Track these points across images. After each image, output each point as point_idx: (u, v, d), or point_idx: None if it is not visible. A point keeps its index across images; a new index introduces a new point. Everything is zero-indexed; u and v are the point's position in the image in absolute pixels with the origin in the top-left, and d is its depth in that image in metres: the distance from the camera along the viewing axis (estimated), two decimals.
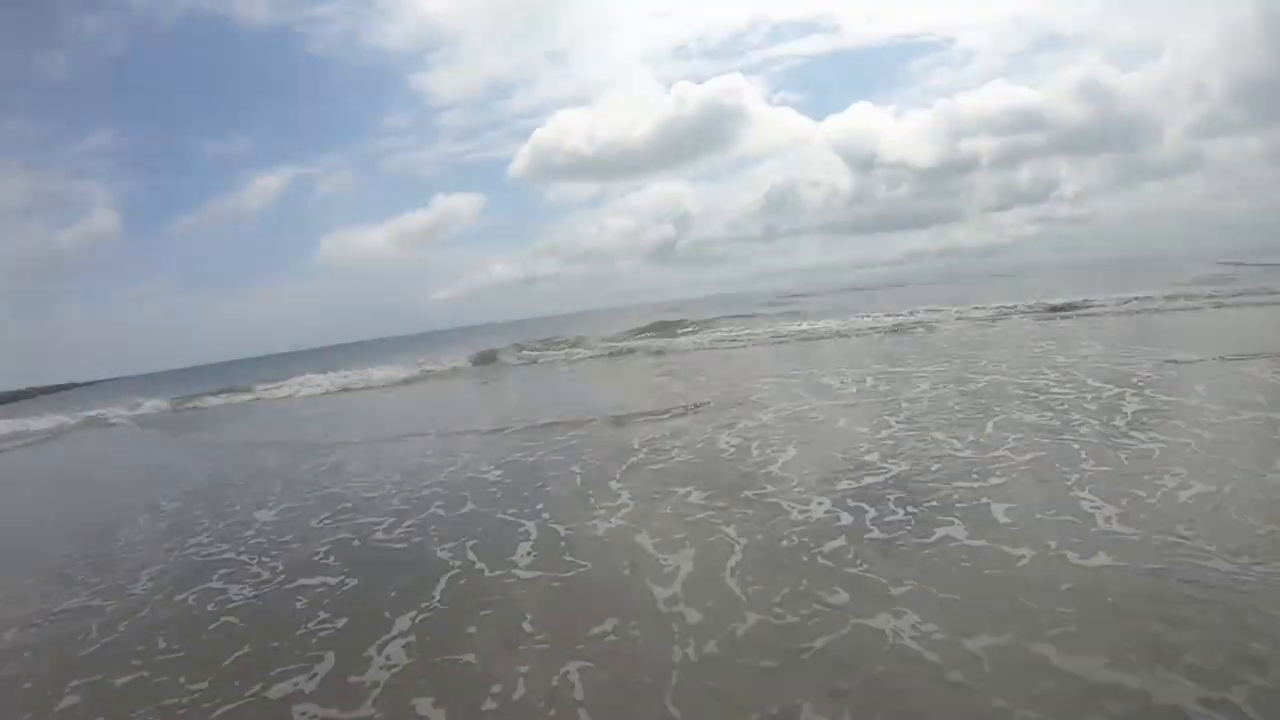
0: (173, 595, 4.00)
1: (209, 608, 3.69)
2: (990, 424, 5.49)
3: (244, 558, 4.59)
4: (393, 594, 3.54)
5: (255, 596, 3.78)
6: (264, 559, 4.47)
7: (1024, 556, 3.05)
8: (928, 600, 2.71)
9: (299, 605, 3.54)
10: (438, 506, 5.15)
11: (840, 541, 3.44)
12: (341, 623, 3.22)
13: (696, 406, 8.05)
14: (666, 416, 7.62)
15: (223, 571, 4.33)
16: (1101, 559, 2.94)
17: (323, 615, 3.34)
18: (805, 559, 3.26)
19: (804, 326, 17.78)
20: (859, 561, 3.16)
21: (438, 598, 3.37)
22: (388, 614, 3.23)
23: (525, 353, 19.19)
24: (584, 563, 3.58)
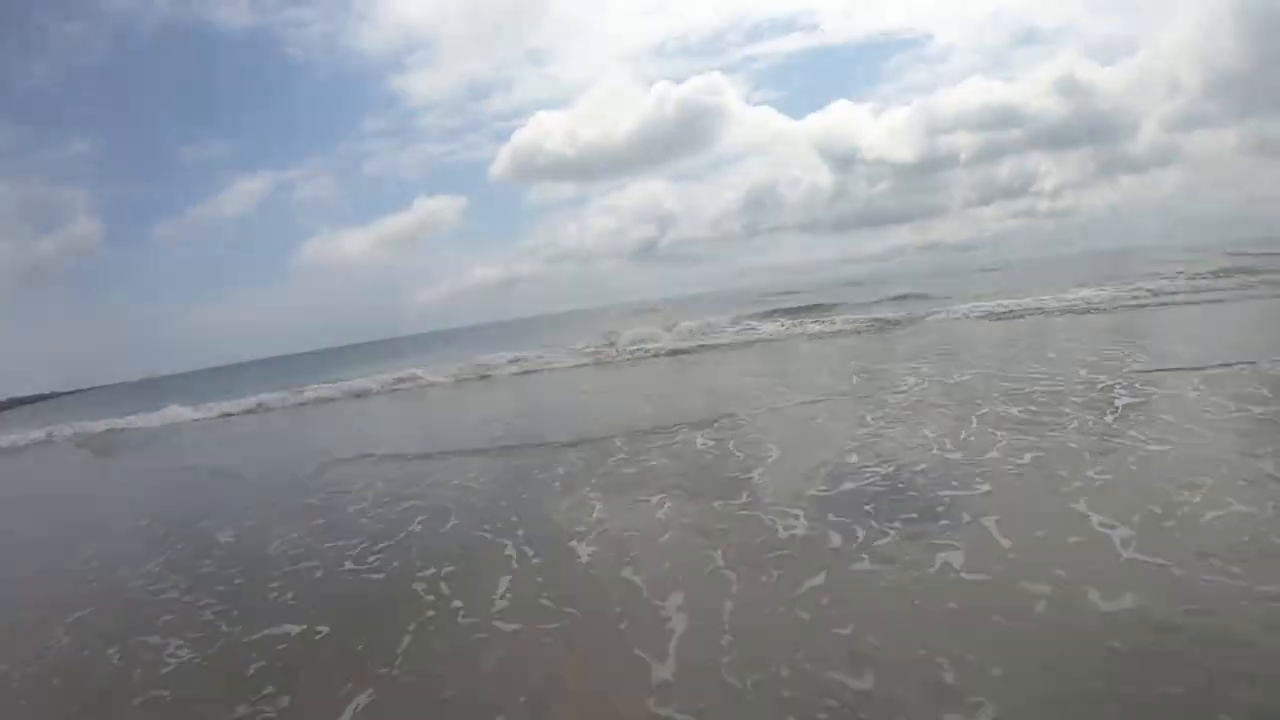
0: (100, 651, 3.32)
1: (135, 674, 3.01)
2: (984, 424, 5.06)
3: (190, 598, 3.91)
4: (359, 647, 2.93)
5: (194, 657, 3.12)
6: (214, 600, 3.81)
7: (1041, 598, 2.53)
8: (980, 678, 2.11)
9: (242, 671, 2.90)
10: (418, 522, 4.58)
11: (822, 580, 2.91)
12: (284, 703, 2.59)
13: (702, 423, 7.59)
14: (664, 429, 7.14)
15: (165, 619, 3.65)
16: (1129, 600, 2.42)
17: (266, 689, 2.70)
18: (801, 614, 2.70)
19: (791, 325, 16.52)
20: (858, 614, 2.60)
21: (399, 662, 2.76)
22: (343, 688, 2.60)
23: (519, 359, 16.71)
24: (569, 609, 3.00)
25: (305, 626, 3.27)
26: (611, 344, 16.89)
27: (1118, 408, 5.05)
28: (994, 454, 4.35)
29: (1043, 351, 8.31)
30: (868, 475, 4.25)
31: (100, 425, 17.17)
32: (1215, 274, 15.86)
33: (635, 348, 15.93)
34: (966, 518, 3.38)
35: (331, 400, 15.72)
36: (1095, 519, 3.18)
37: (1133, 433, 4.42)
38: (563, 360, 15.96)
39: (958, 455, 4.41)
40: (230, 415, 15.85)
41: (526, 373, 15.28)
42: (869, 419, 5.66)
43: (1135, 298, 13.64)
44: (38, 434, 17.16)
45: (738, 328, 17.08)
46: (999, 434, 4.73)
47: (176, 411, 16.49)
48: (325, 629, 3.22)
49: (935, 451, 4.54)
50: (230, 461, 9.02)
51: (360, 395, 15.70)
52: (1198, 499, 3.22)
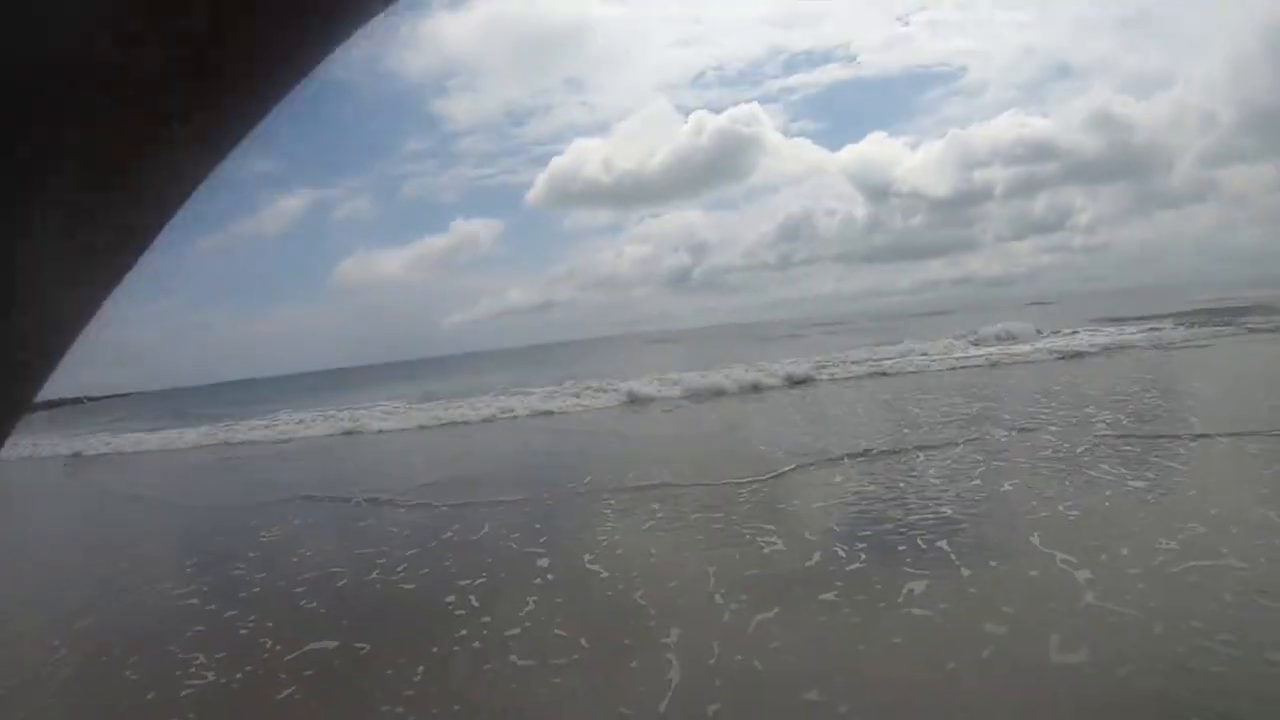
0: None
1: (149, 695, 2.86)
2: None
3: (213, 607, 3.89)
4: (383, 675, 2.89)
5: (218, 678, 3.04)
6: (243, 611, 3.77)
7: (995, 636, 2.54)
8: None
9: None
10: (449, 535, 4.57)
11: (774, 614, 2.94)
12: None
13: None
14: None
15: (196, 629, 3.58)
16: (1084, 654, 2.34)
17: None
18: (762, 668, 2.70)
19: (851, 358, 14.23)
20: (825, 663, 2.57)
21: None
22: None
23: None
24: (583, 641, 2.98)
25: (337, 642, 3.24)
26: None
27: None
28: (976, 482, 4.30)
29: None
30: (857, 510, 4.22)
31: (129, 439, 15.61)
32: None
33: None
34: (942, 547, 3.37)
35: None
36: (1059, 558, 3.13)
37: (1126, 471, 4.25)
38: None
39: (942, 489, 4.36)
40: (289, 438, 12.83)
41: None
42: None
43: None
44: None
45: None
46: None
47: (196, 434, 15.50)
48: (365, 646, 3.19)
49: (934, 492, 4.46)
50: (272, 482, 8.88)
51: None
52: (1176, 545, 3.14)
